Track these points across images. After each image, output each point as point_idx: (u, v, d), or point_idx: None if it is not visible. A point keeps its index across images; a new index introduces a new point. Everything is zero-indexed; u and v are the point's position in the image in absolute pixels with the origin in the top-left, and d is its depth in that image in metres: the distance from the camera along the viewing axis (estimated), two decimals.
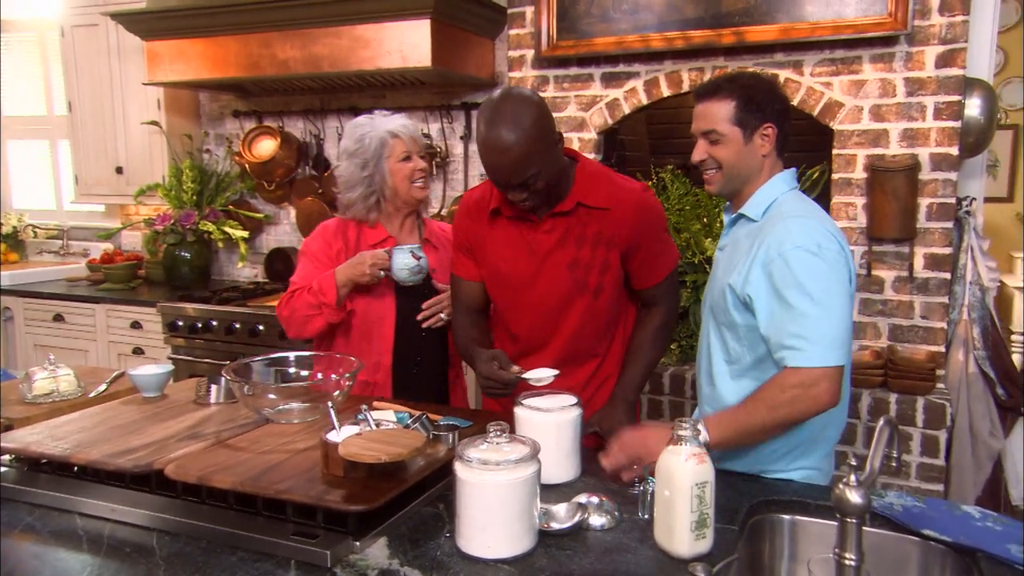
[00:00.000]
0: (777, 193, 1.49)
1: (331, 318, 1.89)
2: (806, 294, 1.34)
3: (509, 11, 2.96)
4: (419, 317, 1.94)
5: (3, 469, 1.40)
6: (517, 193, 1.58)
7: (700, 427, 1.28)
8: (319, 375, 1.65)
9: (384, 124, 1.94)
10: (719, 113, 1.47)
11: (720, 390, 1.54)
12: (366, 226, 1.98)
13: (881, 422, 1.03)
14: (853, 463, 1.00)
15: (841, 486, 1.01)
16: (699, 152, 1.51)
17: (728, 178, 1.51)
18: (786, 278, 1.36)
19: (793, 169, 1.56)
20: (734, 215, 1.57)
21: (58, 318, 3.66)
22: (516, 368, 1.60)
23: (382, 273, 1.86)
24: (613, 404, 1.72)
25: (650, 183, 2.81)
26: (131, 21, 3.37)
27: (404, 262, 1.83)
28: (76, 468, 1.36)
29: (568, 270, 1.68)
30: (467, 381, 2.17)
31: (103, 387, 1.78)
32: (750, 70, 2.61)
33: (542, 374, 1.55)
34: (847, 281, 1.40)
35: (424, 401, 1.87)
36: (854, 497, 0.98)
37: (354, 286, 1.88)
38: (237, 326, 3.16)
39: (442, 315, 1.94)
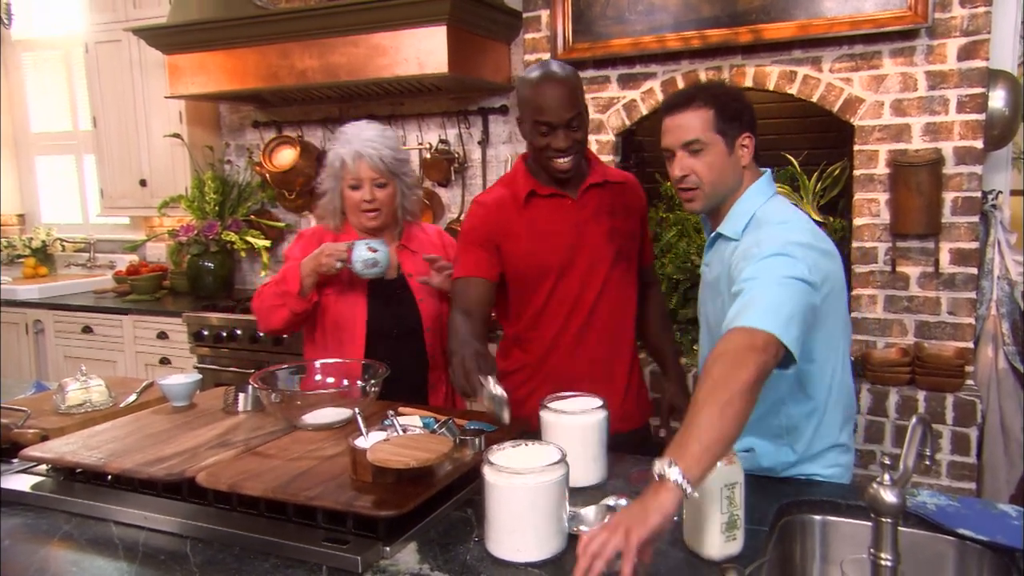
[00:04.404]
0: (754, 207, 1.41)
1: (295, 307, 1.85)
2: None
3: (524, 15, 2.97)
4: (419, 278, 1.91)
5: (40, 479, 1.43)
6: (565, 136, 1.64)
7: (672, 467, 1.00)
8: (344, 381, 1.67)
9: (350, 143, 1.88)
10: (698, 122, 1.38)
11: None
12: (341, 232, 1.97)
13: (914, 420, 1.02)
14: (887, 462, 0.98)
15: (875, 486, 0.99)
16: (679, 167, 1.41)
17: (710, 194, 1.41)
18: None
19: (768, 174, 1.47)
20: (713, 234, 1.47)
21: (87, 330, 3.72)
22: (492, 380, 1.48)
23: (339, 264, 1.82)
24: (677, 382, 1.92)
25: (668, 184, 2.81)
26: (153, 36, 3.43)
27: (359, 254, 1.82)
28: (110, 477, 1.38)
29: (609, 239, 1.76)
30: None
31: (133, 397, 1.81)
32: (767, 68, 2.60)
33: (496, 391, 1.43)
34: (814, 276, 1.26)
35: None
36: (889, 497, 0.97)
37: (317, 278, 1.85)
38: (261, 335, 3.19)
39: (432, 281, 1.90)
